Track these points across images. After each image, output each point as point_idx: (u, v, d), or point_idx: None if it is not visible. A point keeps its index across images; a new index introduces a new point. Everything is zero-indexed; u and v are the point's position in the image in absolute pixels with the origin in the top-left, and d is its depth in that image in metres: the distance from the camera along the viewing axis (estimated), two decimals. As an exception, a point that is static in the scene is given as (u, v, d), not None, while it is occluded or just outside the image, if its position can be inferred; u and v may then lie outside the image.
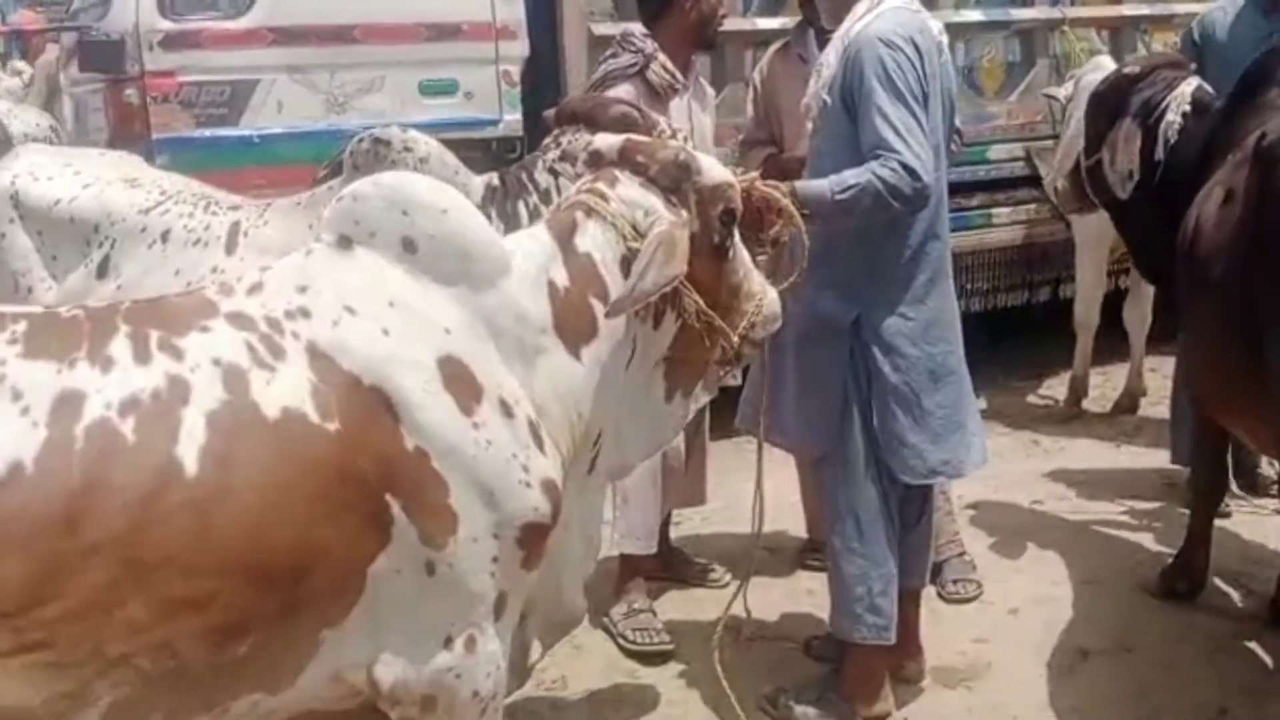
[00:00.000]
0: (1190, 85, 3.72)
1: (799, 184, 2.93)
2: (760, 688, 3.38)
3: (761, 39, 5.49)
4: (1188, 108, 3.67)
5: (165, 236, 2.90)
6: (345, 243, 2.07)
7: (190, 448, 1.77)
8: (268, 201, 3.03)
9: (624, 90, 3.63)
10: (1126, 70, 3.98)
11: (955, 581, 4.05)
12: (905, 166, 2.88)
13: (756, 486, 2.90)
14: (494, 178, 2.98)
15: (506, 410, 2.05)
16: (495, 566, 2.03)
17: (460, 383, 2.00)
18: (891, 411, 3.13)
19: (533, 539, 2.08)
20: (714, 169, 2.42)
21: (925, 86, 3.01)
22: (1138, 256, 4.24)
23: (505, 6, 5.48)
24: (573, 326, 2.21)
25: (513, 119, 5.59)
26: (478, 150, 5.59)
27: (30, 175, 3.04)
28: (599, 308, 2.24)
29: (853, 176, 2.92)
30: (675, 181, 2.34)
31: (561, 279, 2.22)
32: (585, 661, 3.69)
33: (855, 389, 3.15)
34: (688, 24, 3.76)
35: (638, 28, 3.82)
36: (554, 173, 2.92)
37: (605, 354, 2.25)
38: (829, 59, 3.14)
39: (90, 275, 2.92)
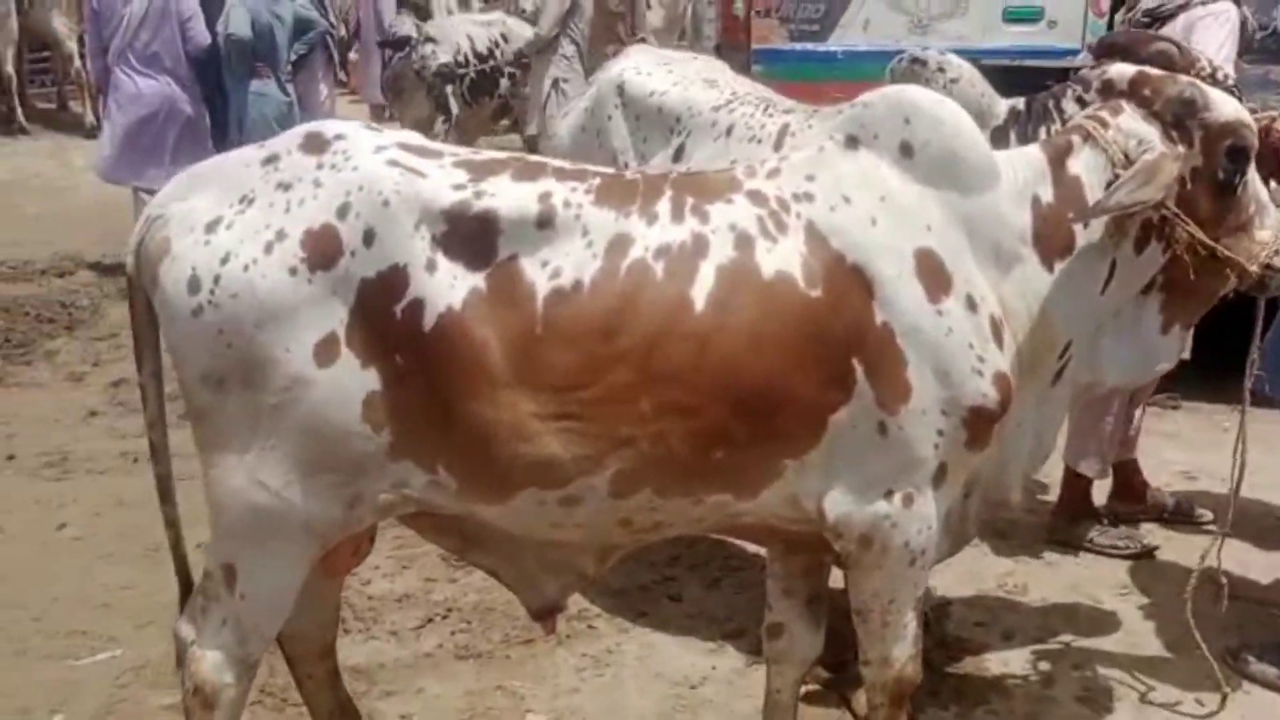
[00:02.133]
0: None
1: None
2: (1226, 640, 3.35)
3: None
4: None
5: (729, 131, 3.40)
6: (852, 143, 2.36)
7: (700, 291, 2.19)
8: (815, 108, 3.44)
9: (1219, 8, 3.56)
10: None
11: None
12: None
13: (1239, 439, 2.88)
14: (1019, 103, 3.14)
15: (971, 304, 2.29)
16: (940, 439, 2.30)
17: (932, 274, 2.27)
18: None
19: (978, 422, 2.31)
20: (1224, 105, 2.44)
21: None
22: None
23: (1109, -68, 5.41)
24: (1050, 241, 2.39)
25: (1094, 50, 5.53)
26: (1055, 79, 5.62)
27: (634, 70, 3.68)
28: (1079, 228, 2.40)
29: None
30: (1178, 117, 2.42)
31: (1047, 196, 2.40)
32: (1051, 576, 3.85)
33: None
34: None
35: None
36: (1082, 103, 2.99)
37: (1079, 271, 2.41)
38: None
39: (668, 159, 3.50)
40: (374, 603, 3.75)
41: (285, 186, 2.18)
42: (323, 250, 2.13)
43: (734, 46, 5.69)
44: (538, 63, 7.28)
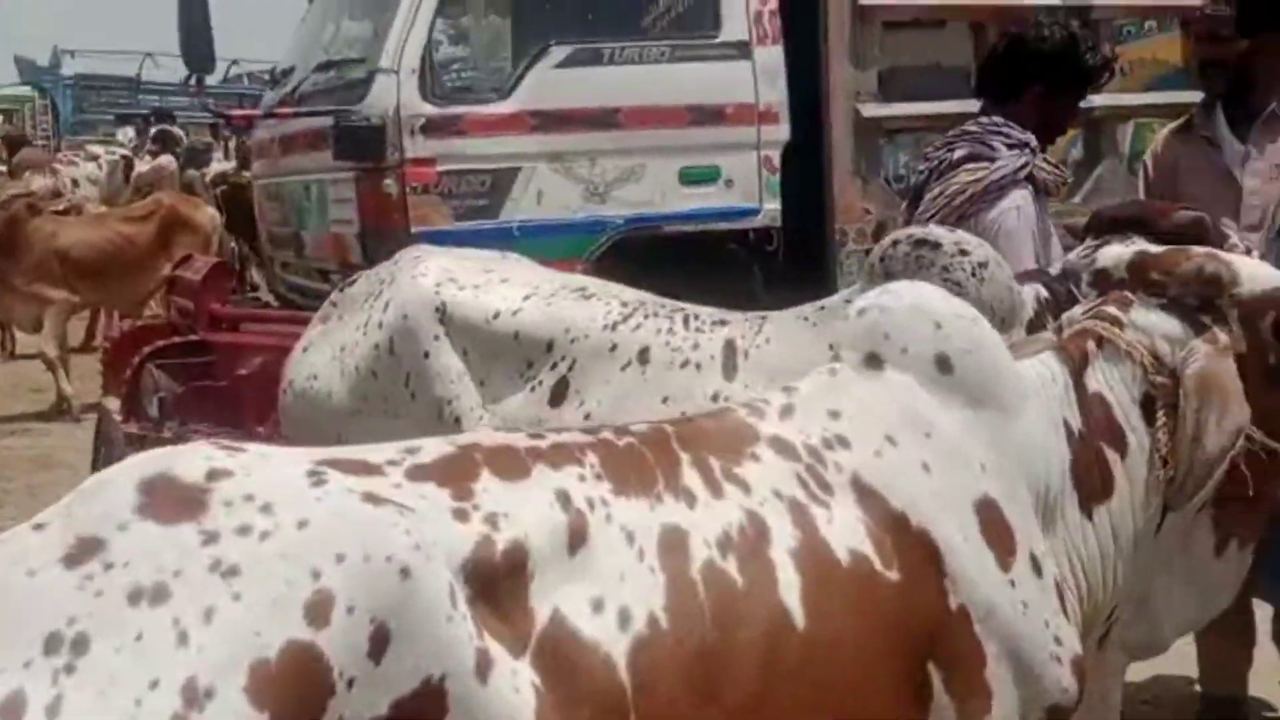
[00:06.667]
0: None
1: None
2: None
3: (1139, 113, 5.27)
4: None
5: (643, 357, 2.44)
6: (874, 361, 1.81)
7: (792, 595, 1.57)
8: (762, 315, 2.58)
9: (1020, 198, 2.98)
10: None
11: None
12: None
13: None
14: (1040, 289, 2.51)
15: (1036, 566, 1.78)
16: None
17: (996, 531, 1.75)
18: None
19: None
20: (1258, 274, 2.05)
21: None
22: None
23: (768, 87, 5.12)
24: (1088, 478, 1.90)
25: (772, 208, 5.22)
26: (736, 242, 5.24)
27: (454, 283, 2.58)
28: (1115, 460, 1.93)
29: None
30: (1205, 298, 1.99)
31: (1075, 421, 1.91)
32: None
33: None
34: (1033, 115, 3.11)
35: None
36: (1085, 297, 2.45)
37: (1123, 516, 1.94)
38: None
39: (539, 401, 2.46)
40: None
41: (156, 596, 1.18)
42: (290, 693, 1.19)
43: (384, 231, 4.65)
44: None
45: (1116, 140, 5.77)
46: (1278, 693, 3.54)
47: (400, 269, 2.70)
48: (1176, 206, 2.58)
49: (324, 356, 2.72)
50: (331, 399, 2.66)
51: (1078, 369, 1.95)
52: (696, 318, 2.53)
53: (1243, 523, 2.10)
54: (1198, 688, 3.69)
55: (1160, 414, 1.94)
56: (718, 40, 5.09)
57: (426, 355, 2.54)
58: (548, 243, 4.70)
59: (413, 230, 4.61)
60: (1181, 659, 3.48)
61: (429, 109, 4.66)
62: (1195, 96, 5.05)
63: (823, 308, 2.52)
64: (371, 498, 1.33)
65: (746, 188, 5.15)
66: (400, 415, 2.55)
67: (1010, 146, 3.00)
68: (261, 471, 1.31)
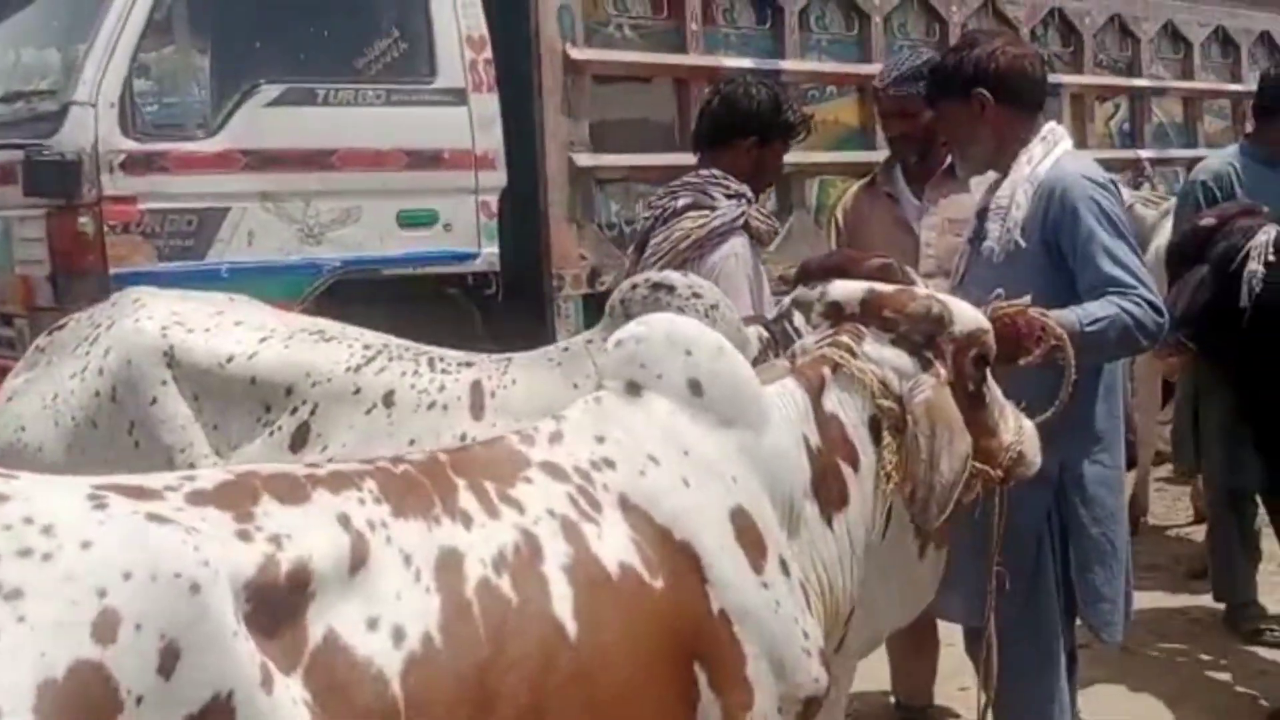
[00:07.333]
0: (1270, 233, 3.80)
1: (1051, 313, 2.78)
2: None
3: (824, 170, 5.69)
4: (1272, 256, 3.71)
5: (388, 400, 2.41)
6: (633, 388, 1.96)
7: (565, 608, 1.66)
8: (506, 356, 2.60)
9: (739, 245, 3.21)
10: (1203, 222, 4.03)
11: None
12: (1149, 301, 2.80)
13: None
14: (761, 329, 2.68)
15: (785, 568, 1.94)
16: None
17: (749, 538, 1.91)
18: (1091, 567, 2.99)
19: (810, 716, 1.96)
20: (965, 315, 2.31)
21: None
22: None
23: (484, 134, 5.18)
24: (827, 491, 2.09)
25: (490, 252, 5.26)
26: (456, 285, 5.25)
27: (183, 326, 2.46)
28: (849, 474, 2.12)
29: (1098, 309, 2.77)
30: (929, 336, 2.23)
31: (814, 438, 2.10)
32: None
33: (1051, 547, 2.99)
34: (747, 165, 3.37)
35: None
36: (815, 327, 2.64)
37: (858, 525, 2.12)
38: (1017, 200, 3.01)
39: (279, 446, 2.38)
40: None
41: None
42: (78, 713, 1.21)
43: (78, 271, 4.35)
44: None
45: (805, 194, 6.22)
46: (960, 698, 3.89)
47: (120, 311, 2.56)
48: (869, 255, 2.85)
49: (32, 406, 2.54)
50: (43, 452, 2.49)
51: (816, 391, 2.13)
52: (442, 360, 2.55)
53: (941, 529, 2.28)
54: (892, 699, 4.02)
55: (886, 434, 2.15)
56: (433, 86, 5.11)
57: (154, 402, 2.43)
58: (261, 285, 4.52)
59: (111, 271, 4.35)
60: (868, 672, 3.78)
61: (130, 144, 4.43)
62: (873, 155, 5.55)
63: (566, 349, 2.61)
64: (156, 518, 1.34)
65: (465, 232, 5.18)
66: (124, 466, 2.41)
67: (729, 196, 3.21)
68: (40, 495, 1.31)
